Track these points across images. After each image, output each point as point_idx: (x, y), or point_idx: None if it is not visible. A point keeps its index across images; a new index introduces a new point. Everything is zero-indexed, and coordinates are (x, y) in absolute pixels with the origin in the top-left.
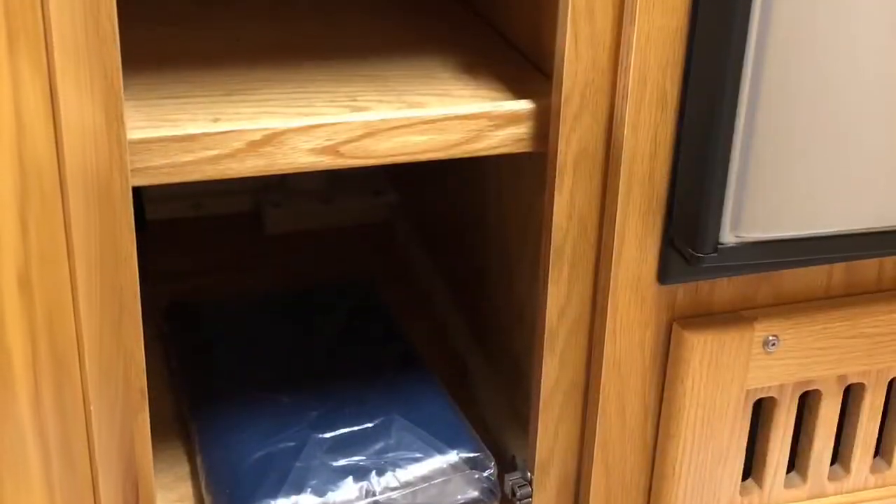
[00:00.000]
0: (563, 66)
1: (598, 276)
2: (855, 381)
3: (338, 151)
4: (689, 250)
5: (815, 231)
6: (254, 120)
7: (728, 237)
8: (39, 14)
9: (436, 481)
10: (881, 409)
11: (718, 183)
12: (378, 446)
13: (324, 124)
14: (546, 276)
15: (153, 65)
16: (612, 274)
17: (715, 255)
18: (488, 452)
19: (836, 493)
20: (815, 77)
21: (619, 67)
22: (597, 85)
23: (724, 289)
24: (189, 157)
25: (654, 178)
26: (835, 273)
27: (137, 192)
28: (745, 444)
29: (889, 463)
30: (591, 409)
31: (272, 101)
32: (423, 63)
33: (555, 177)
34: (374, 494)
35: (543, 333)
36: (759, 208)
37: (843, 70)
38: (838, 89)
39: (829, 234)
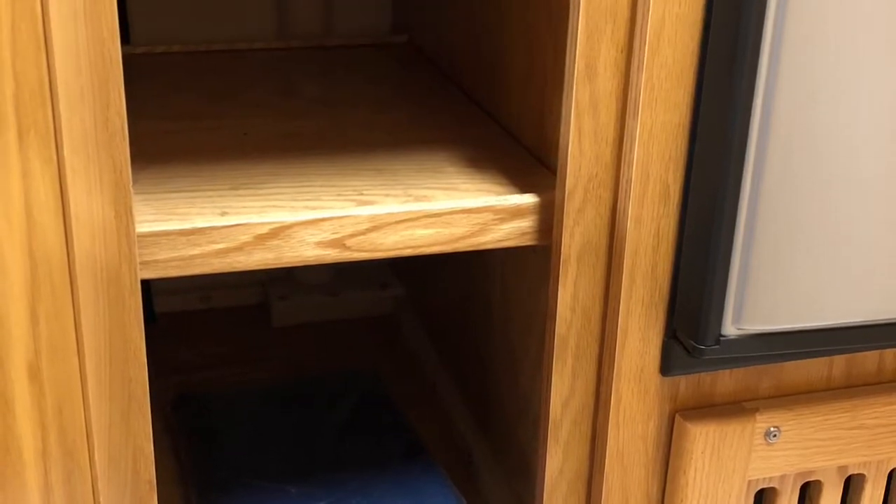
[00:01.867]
0: (566, 160)
1: (601, 368)
2: (855, 471)
3: (344, 245)
4: (692, 342)
5: (816, 324)
6: (261, 213)
7: (730, 329)
8: (49, 110)
9: None
10: (881, 499)
11: (720, 276)
12: None
13: (330, 218)
14: (550, 367)
15: (161, 159)
16: (616, 365)
17: (717, 347)
18: None
19: None
20: (815, 173)
21: (622, 162)
22: (600, 179)
23: (726, 380)
24: (197, 251)
25: (657, 271)
26: (835, 364)
27: (146, 284)
28: None
29: None
30: (595, 499)
31: (279, 194)
32: (429, 157)
33: (559, 269)
34: None
35: (547, 424)
36: (760, 301)
37: (844, 166)
38: (838, 184)
39: (830, 326)
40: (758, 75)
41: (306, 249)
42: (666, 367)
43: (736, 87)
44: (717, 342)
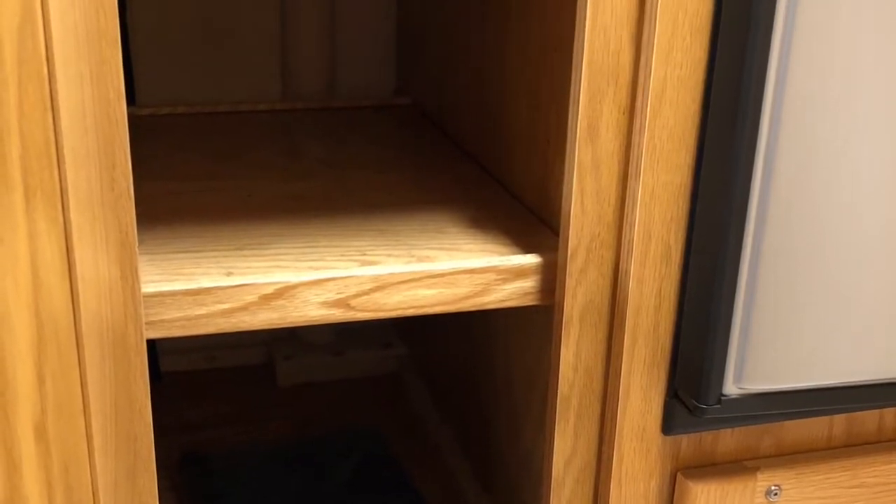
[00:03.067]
0: (569, 220)
1: (603, 427)
2: None
3: (349, 305)
4: (693, 402)
5: (816, 383)
6: (266, 274)
7: (731, 389)
8: (56, 171)
9: None
10: None
11: (722, 336)
12: None
13: (335, 278)
14: (553, 425)
15: (167, 219)
16: (618, 424)
17: (718, 406)
18: None
19: None
20: (815, 233)
21: (624, 222)
22: (602, 239)
23: (728, 439)
24: (203, 311)
25: (659, 331)
26: (836, 424)
27: (152, 343)
28: None
29: None
30: None
31: (284, 255)
32: (432, 218)
33: (561, 329)
34: None
35: (550, 482)
36: (761, 361)
37: (844, 226)
38: (839, 245)
39: (831, 385)
40: (759, 137)
41: (311, 309)
42: (668, 427)
43: (737, 149)
44: (719, 402)
